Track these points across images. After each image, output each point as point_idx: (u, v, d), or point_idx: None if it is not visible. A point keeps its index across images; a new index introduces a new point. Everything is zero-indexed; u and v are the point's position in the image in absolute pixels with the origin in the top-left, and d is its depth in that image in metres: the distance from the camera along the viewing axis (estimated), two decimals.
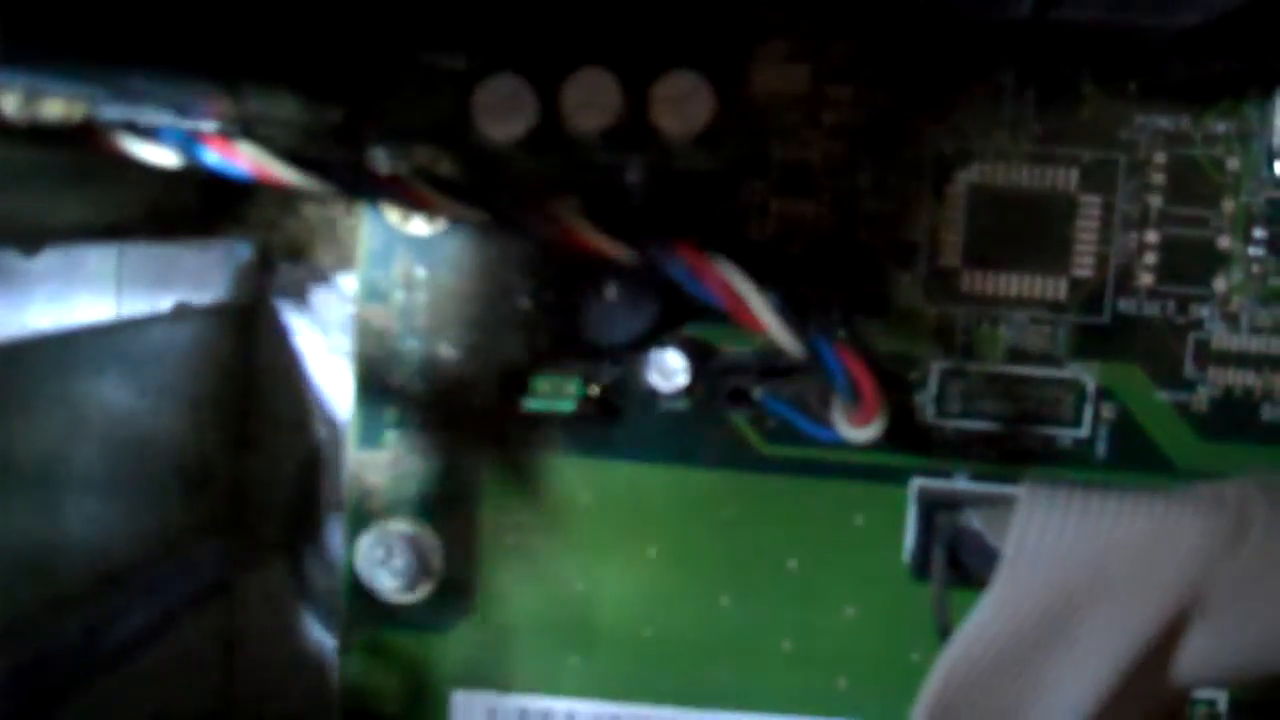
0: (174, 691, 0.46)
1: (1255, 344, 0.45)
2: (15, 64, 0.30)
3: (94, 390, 0.41)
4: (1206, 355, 0.45)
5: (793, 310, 0.38)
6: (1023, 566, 0.37)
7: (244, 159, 0.38)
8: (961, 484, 0.46)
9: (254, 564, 0.49)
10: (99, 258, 0.41)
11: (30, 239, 0.38)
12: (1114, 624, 0.36)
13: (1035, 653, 0.37)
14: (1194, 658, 0.37)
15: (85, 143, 0.38)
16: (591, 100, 0.42)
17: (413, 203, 0.39)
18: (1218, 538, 0.36)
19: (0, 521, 0.37)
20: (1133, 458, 0.46)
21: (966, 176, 0.45)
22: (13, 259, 0.37)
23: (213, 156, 0.38)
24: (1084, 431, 0.46)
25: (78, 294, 0.40)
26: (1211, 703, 0.46)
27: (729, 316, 0.38)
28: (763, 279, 0.38)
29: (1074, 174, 0.45)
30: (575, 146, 0.44)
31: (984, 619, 0.37)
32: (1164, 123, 0.45)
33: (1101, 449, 0.46)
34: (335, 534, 0.49)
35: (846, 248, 0.46)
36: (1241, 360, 0.45)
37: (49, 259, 0.37)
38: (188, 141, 0.38)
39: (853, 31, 0.45)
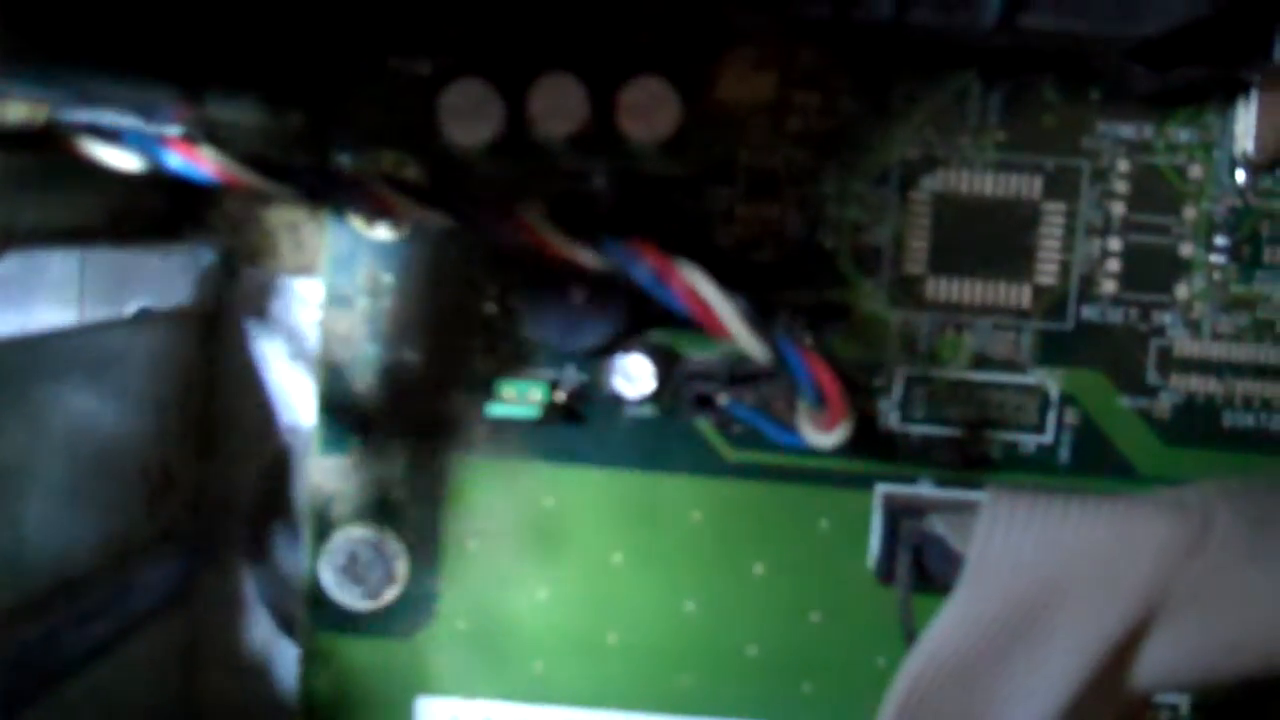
0: (135, 698, 0.46)
1: (1217, 350, 0.45)
2: None
3: (55, 396, 0.41)
4: (1169, 362, 0.46)
5: (758, 316, 0.38)
6: (986, 572, 0.37)
7: (207, 162, 0.38)
8: (926, 490, 0.46)
9: (216, 570, 0.49)
10: (61, 262, 0.40)
11: None
12: (1077, 630, 0.36)
13: (999, 659, 0.37)
14: (1157, 663, 0.37)
15: (48, 146, 0.38)
16: (558, 106, 0.42)
17: (377, 207, 0.39)
18: (1180, 543, 0.36)
19: None
20: (1096, 463, 0.46)
21: (931, 184, 0.45)
22: None
23: (176, 160, 0.38)
24: (1048, 437, 0.46)
25: (39, 299, 0.40)
26: (1174, 707, 0.47)
27: (695, 322, 0.38)
28: (729, 285, 0.38)
29: (1038, 181, 0.45)
30: (541, 152, 0.44)
31: (948, 625, 0.37)
32: (1126, 131, 0.45)
33: (1065, 455, 0.46)
34: (297, 541, 0.48)
35: (812, 254, 0.46)
36: (1204, 367, 0.45)
37: (10, 263, 0.37)
38: (151, 145, 0.38)
39: (818, 39, 0.45)
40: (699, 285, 0.37)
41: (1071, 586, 0.36)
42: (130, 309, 0.45)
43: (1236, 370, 0.45)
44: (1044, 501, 0.37)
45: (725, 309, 0.37)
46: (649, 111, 0.42)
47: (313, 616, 0.48)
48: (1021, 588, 0.37)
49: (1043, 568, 0.36)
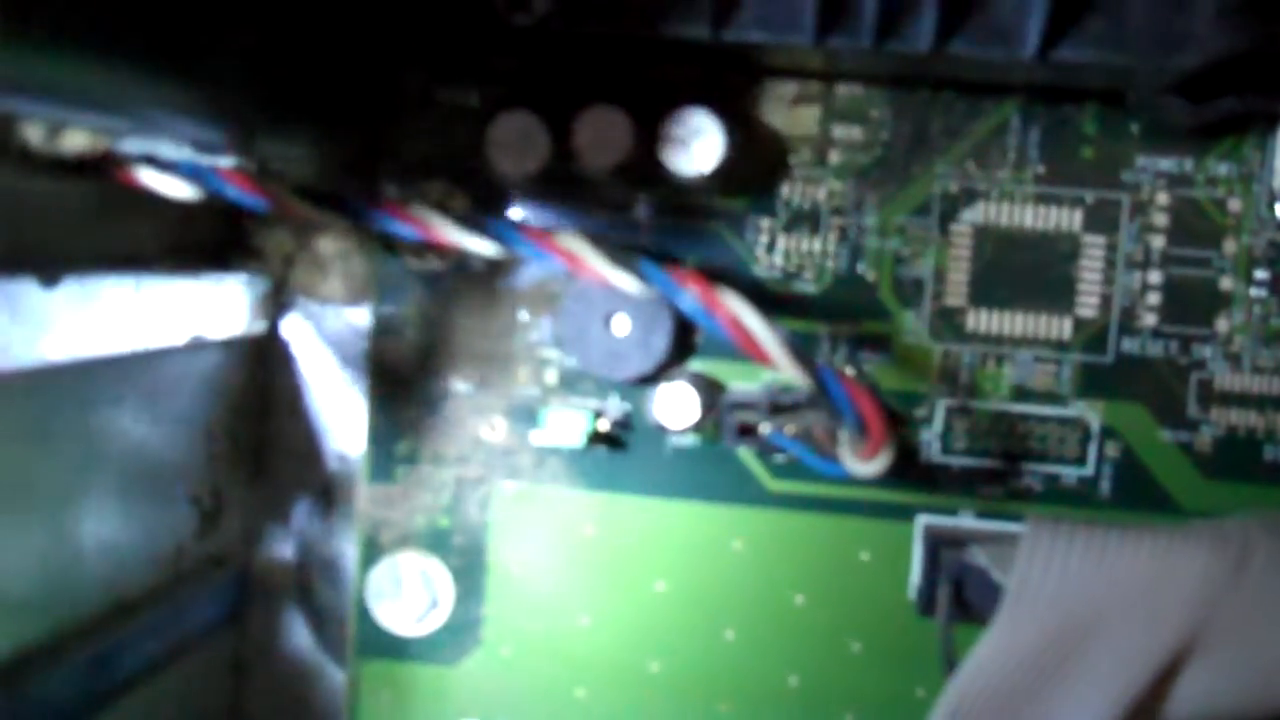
0: (184, 718, 0.46)
1: (1258, 384, 0.45)
2: (40, 95, 0.31)
3: (111, 420, 0.42)
4: (1210, 395, 0.46)
5: (800, 345, 0.39)
6: (1026, 603, 0.37)
7: (260, 192, 0.39)
8: (966, 521, 0.46)
9: (265, 595, 0.49)
10: (117, 289, 0.41)
11: (50, 270, 0.38)
12: (1116, 660, 0.37)
13: (1037, 689, 0.37)
14: (1194, 694, 0.37)
15: (106, 175, 0.39)
16: (603, 138, 0.42)
17: (424, 235, 0.40)
18: (1219, 574, 0.36)
19: (17, 549, 0.38)
20: (1137, 497, 0.46)
21: (971, 216, 0.46)
22: (32, 290, 0.37)
23: (231, 190, 0.39)
24: (1088, 470, 0.46)
25: (95, 325, 0.41)
26: None
27: (738, 351, 0.39)
28: (770, 316, 0.39)
29: (1078, 214, 0.46)
30: (587, 183, 0.45)
31: (987, 655, 0.38)
32: (1166, 164, 0.45)
33: (1106, 488, 0.46)
34: (346, 566, 0.49)
35: (853, 286, 0.46)
36: (1244, 400, 0.45)
37: (67, 290, 0.38)
38: (207, 175, 0.39)
39: (860, 75, 0.46)
40: (742, 313, 0.38)
41: (1111, 616, 0.37)
42: (184, 336, 0.46)
43: (1277, 404, 0.45)
44: (1084, 532, 0.37)
45: (768, 337, 0.37)
46: (691, 144, 0.43)
47: (359, 641, 0.48)
48: (1061, 617, 0.37)
49: (1082, 598, 0.37)
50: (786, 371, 0.38)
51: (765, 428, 0.45)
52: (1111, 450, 0.46)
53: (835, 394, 0.38)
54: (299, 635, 0.49)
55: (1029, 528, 0.38)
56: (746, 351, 0.38)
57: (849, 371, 0.46)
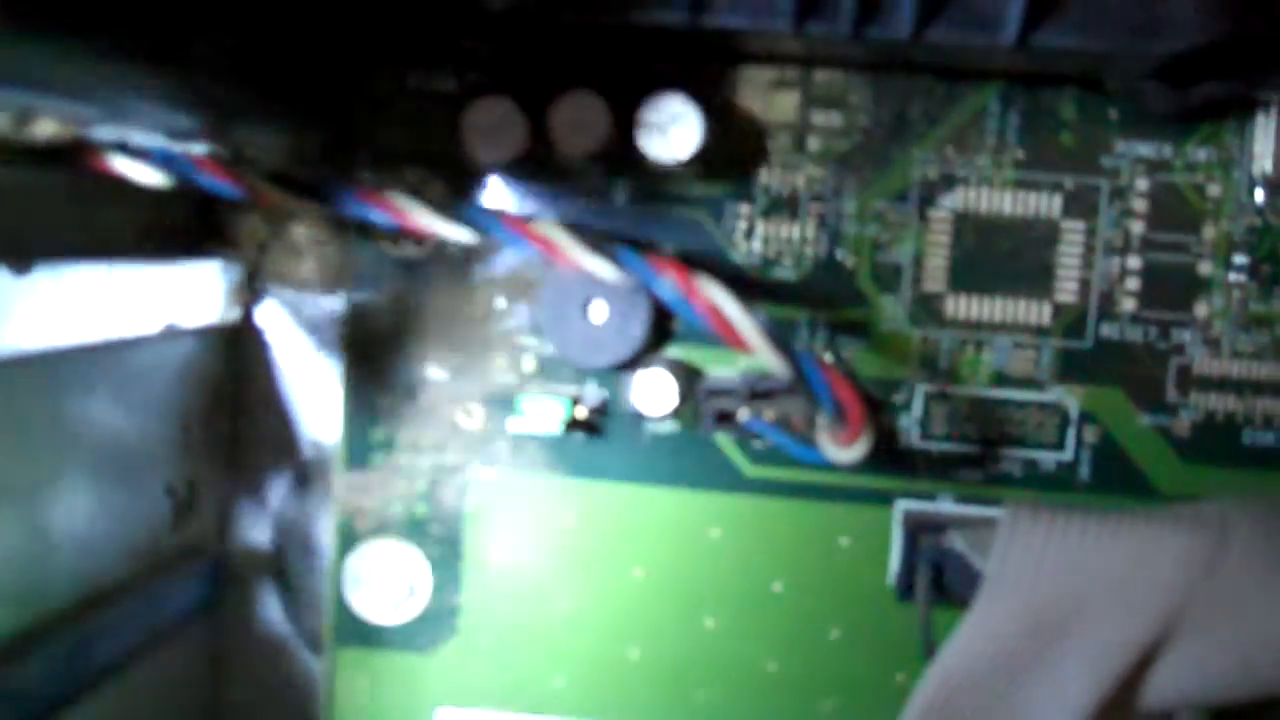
0: (161, 710, 0.46)
1: (1236, 369, 0.45)
2: (8, 82, 0.31)
3: (84, 410, 0.41)
4: (1188, 380, 0.46)
5: (779, 332, 0.39)
6: (1004, 587, 0.37)
7: (234, 179, 0.38)
8: (946, 506, 0.46)
9: (241, 584, 0.49)
10: (89, 276, 0.41)
11: (20, 257, 0.38)
12: (1095, 644, 0.37)
13: (1017, 672, 0.37)
14: (1173, 678, 0.37)
15: (77, 162, 0.38)
16: (580, 123, 0.42)
17: (398, 221, 0.40)
18: (1198, 557, 0.36)
19: None
20: (1115, 481, 0.46)
21: (950, 202, 0.46)
22: (2, 278, 0.37)
23: (205, 177, 0.39)
24: (1067, 455, 0.46)
25: (67, 313, 0.40)
26: None
27: (716, 337, 0.38)
28: (749, 302, 0.39)
29: (1057, 200, 0.45)
30: (563, 169, 0.45)
31: (966, 639, 0.38)
32: (1145, 149, 0.45)
33: (1084, 472, 0.46)
34: (323, 554, 0.49)
35: (832, 272, 0.46)
36: (1223, 385, 0.46)
37: (39, 277, 0.38)
38: (180, 163, 0.38)
39: (838, 60, 0.45)
40: (720, 300, 0.37)
41: (1089, 600, 0.37)
42: (157, 324, 0.46)
43: (1256, 388, 0.45)
44: (1062, 516, 0.37)
45: (746, 324, 0.37)
46: (668, 129, 0.42)
47: (337, 629, 0.48)
48: (1040, 601, 0.37)
49: (1061, 582, 0.37)
50: (765, 358, 0.38)
51: (743, 414, 0.45)
52: (1090, 435, 0.46)
53: (813, 380, 0.38)
54: (276, 623, 0.49)
55: (1007, 513, 0.38)
56: (724, 338, 0.38)
57: (828, 358, 0.46)
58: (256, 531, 0.49)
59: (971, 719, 0.37)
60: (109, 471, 0.43)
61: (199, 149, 0.41)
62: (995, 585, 0.37)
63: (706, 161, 0.44)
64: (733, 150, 0.46)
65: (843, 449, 0.41)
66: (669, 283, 0.38)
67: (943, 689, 0.38)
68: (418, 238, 0.46)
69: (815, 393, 0.38)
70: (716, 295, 0.37)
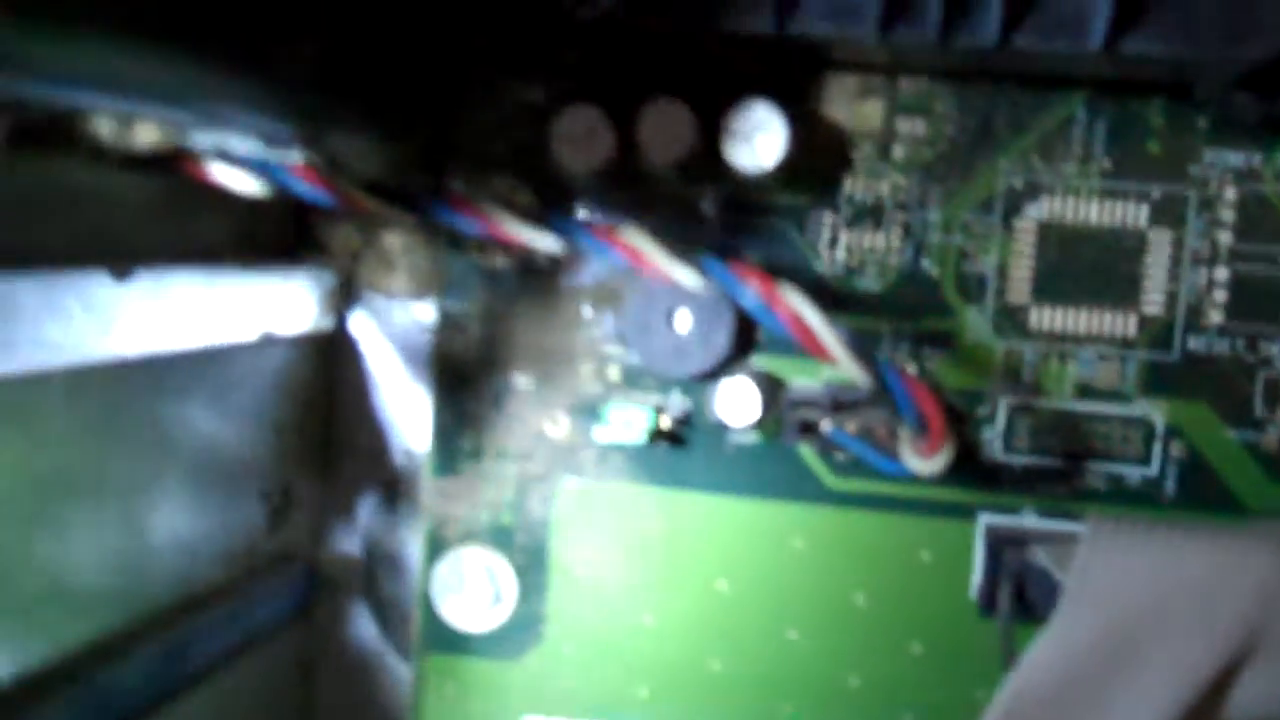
0: (254, 711, 0.47)
1: None
2: (108, 88, 0.32)
3: (181, 415, 0.42)
4: (1277, 395, 0.45)
5: (860, 342, 0.39)
6: (1086, 599, 0.37)
7: (329, 188, 0.39)
8: (1029, 521, 0.46)
9: (333, 590, 0.50)
10: (187, 283, 0.42)
11: (122, 264, 0.39)
12: (1175, 660, 0.36)
13: (1096, 686, 0.37)
14: (1253, 698, 0.36)
15: (176, 170, 0.39)
16: (666, 131, 0.43)
17: (487, 229, 0.40)
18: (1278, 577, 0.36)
19: (90, 542, 0.39)
20: (1202, 497, 0.45)
21: (1036, 211, 0.46)
22: (104, 283, 0.38)
23: (300, 185, 0.40)
24: (1153, 470, 0.46)
25: (166, 320, 0.41)
26: None
27: (799, 347, 0.39)
28: (833, 312, 0.39)
29: (1143, 210, 0.45)
30: (650, 178, 0.45)
31: (1044, 653, 0.37)
32: (1234, 159, 0.45)
33: (1170, 488, 0.46)
34: (411, 561, 0.49)
35: (916, 282, 0.46)
36: None
37: (138, 284, 0.39)
38: (276, 171, 0.39)
39: (924, 68, 0.46)
40: (803, 310, 0.38)
41: (1171, 616, 0.36)
42: (254, 332, 0.47)
43: None
44: (1145, 530, 0.37)
45: (828, 334, 0.38)
46: (755, 138, 0.43)
47: (425, 636, 0.49)
48: (1121, 615, 0.37)
49: (1143, 596, 0.36)
50: (847, 368, 0.38)
51: (826, 425, 0.45)
52: (1176, 450, 0.45)
53: (896, 391, 0.38)
54: (365, 630, 0.50)
55: (1089, 526, 0.37)
56: (807, 348, 0.38)
57: (911, 369, 0.46)
58: (347, 538, 0.50)
59: None
60: (205, 476, 0.44)
61: (294, 157, 0.42)
62: (1076, 598, 0.37)
63: (791, 170, 0.44)
64: (818, 159, 0.46)
65: (924, 460, 0.41)
66: (752, 291, 0.38)
67: (1019, 702, 0.38)
68: (507, 246, 0.46)
69: (897, 403, 0.38)
70: (799, 304, 0.38)
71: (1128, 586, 0.36)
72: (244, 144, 0.41)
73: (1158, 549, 0.37)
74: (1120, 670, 0.37)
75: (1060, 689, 0.37)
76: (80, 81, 0.31)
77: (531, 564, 0.48)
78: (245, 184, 0.39)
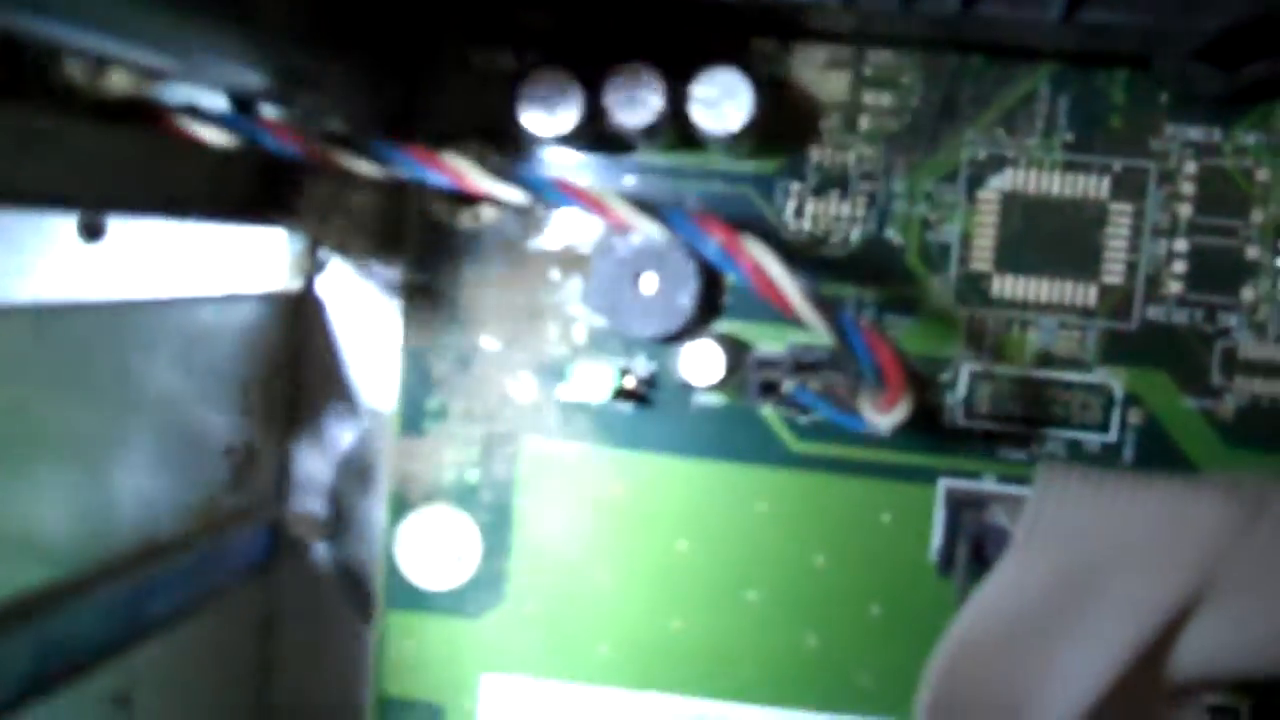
0: (213, 663, 0.47)
1: None
2: (84, 25, 0.32)
3: (147, 365, 0.43)
4: (1233, 363, 0.46)
5: (820, 295, 0.39)
6: (1037, 541, 0.37)
7: (299, 141, 0.40)
8: (989, 485, 0.47)
9: (296, 546, 0.50)
10: (158, 233, 0.42)
11: (93, 223, 0.39)
12: (1124, 605, 0.37)
13: (1046, 629, 0.37)
14: (1202, 645, 0.37)
15: (148, 120, 0.40)
16: (634, 96, 0.43)
17: (458, 184, 0.41)
18: (1232, 525, 0.36)
19: (52, 488, 0.39)
20: (1159, 463, 0.46)
21: (999, 183, 0.46)
22: (73, 232, 0.39)
23: (269, 138, 0.40)
24: (1112, 436, 0.46)
25: (134, 268, 0.42)
26: (1234, 711, 0.46)
27: (761, 304, 0.39)
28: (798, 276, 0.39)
29: (1105, 182, 0.46)
30: (619, 141, 0.46)
31: (994, 593, 0.38)
32: (1194, 133, 0.45)
33: (1129, 454, 0.46)
34: (375, 520, 0.50)
35: (880, 250, 0.47)
36: (1269, 369, 0.46)
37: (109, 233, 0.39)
38: (244, 123, 0.40)
39: (891, 39, 0.46)
40: (765, 260, 0.38)
41: (1121, 561, 0.37)
42: (222, 289, 0.47)
43: None
44: (1096, 476, 0.38)
45: (789, 284, 0.38)
46: (722, 103, 0.43)
47: (387, 593, 0.49)
48: (1071, 558, 0.37)
49: (1093, 539, 0.37)
50: (807, 318, 0.38)
51: (788, 384, 0.46)
52: (1135, 417, 0.46)
53: (854, 341, 0.38)
54: (326, 586, 0.50)
55: (1041, 472, 0.38)
56: (768, 298, 0.39)
57: (868, 320, 0.46)
58: (311, 496, 0.50)
59: (999, 670, 0.37)
60: (170, 429, 0.44)
61: (266, 112, 0.42)
62: (1026, 541, 0.38)
63: (758, 138, 0.45)
64: (784, 127, 0.47)
65: (883, 414, 0.41)
66: (715, 242, 0.39)
67: (967, 642, 0.38)
68: (474, 202, 0.47)
69: (854, 353, 0.39)
70: (761, 255, 0.38)
71: (1079, 530, 0.37)
72: (216, 98, 0.41)
73: (1109, 495, 0.37)
74: (1070, 612, 0.38)
75: (1009, 630, 0.38)
76: (59, 12, 0.31)
77: (495, 523, 0.49)
78: (215, 136, 0.40)
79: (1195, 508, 0.37)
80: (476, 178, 0.40)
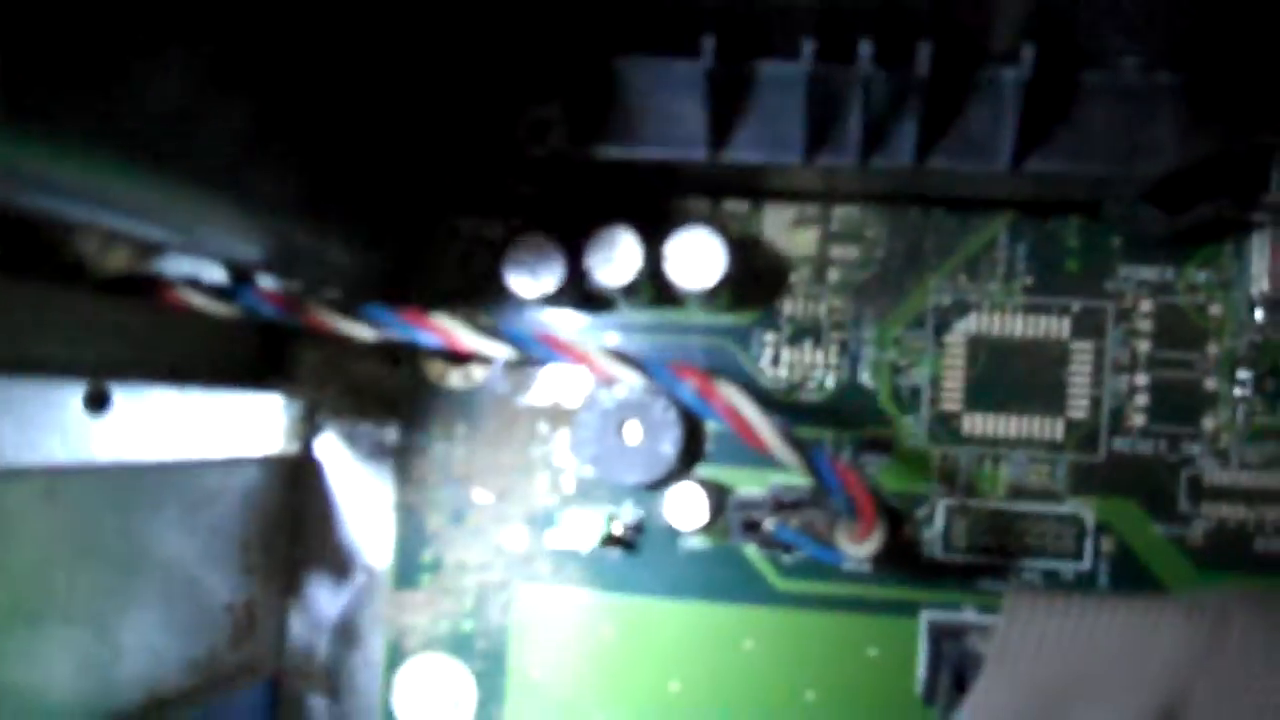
0: None
1: (1245, 479, 0.47)
2: (88, 202, 0.34)
3: (152, 529, 0.44)
4: (1199, 491, 0.47)
5: (792, 434, 0.41)
6: (1008, 662, 0.38)
7: (300, 311, 0.42)
8: (970, 616, 0.48)
9: (296, 700, 0.51)
10: (161, 402, 0.44)
11: (98, 393, 0.41)
12: None
13: None
14: None
15: (150, 292, 0.42)
16: (613, 256, 0.45)
17: (449, 343, 0.43)
18: (1198, 640, 0.38)
19: (60, 647, 0.40)
20: (1133, 589, 0.47)
21: (964, 326, 0.49)
22: (79, 403, 0.40)
23: (267, 307, 0.42)
24: (1085, 564, 0.48)
25: (139, 435, 0.43)
26: None
27: (740, 446, 0.41)
28: None
29: (1065, 322, 0.48)
30: (600, 299, 0.48)
31: (973, 714, 0.39)
32: (1147, 273, 0.48)
33: (1103, 581, 0.48)
34: (373, 671, 0.51)
35: (855, 394, 0.49)
36: (1233, 494, 0.47)
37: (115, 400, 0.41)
38: (244, 293, 0.42)
39: (854, 196, 0.49)
40: (738, 402, 0.40)
41: (1090, 680, 0.38)
42: (222, 453, 0.49)
43: (1265, 497, 0.47)
44: (1062, 600, 0.39)
45: (762, 423, 0.40)
46: (697, 261, 0.45)
47: None
48: (1042, 678, 0.38)
49: (1063, 660, 0.38)
50: (782, 457, 0.40)
51: (769, 523, 0.47)
52: (1107, 545, 0.48)
53: (825, 474, 0.40)
54: None
55: (1008, 597, 0.39)
56: (744, 439, 0.40)
57: (841, 455, 0.48)
58: (311, 650, 0.51)
59: None
60: (173, 588, 0.45)
61: (264, 283, 0.45)
62: (997, 665, 0.39)
63: (733, 292, 0.47)
64: (758, 282, 0.49)
65: (857, 545, 0.43)
66: (689, 386, 0.41)
67: None
68: (465, 360, 0.49)
69: (828, 487, 0.40)
70: (734, 397, 0.40)
71: (1047, 653, 0.38)
72: (215, 270, 0.44)
73: (1076, 617, 0.38)
74: None
75: None
76: (69, 193, 0.33)
77: (490, 670, 0.50)
78: (215, 306, 0.42)
79: (1158, 628, 0.38)
80: (465, 337, 0.42)
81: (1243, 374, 0.47)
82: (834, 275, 0.49)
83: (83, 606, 0.41)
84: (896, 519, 0.48)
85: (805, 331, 0.49)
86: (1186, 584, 0.47)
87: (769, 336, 0.49)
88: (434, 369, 0.50)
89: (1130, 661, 0.38)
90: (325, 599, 0.51)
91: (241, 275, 0.45)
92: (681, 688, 0.49)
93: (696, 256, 0.45)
